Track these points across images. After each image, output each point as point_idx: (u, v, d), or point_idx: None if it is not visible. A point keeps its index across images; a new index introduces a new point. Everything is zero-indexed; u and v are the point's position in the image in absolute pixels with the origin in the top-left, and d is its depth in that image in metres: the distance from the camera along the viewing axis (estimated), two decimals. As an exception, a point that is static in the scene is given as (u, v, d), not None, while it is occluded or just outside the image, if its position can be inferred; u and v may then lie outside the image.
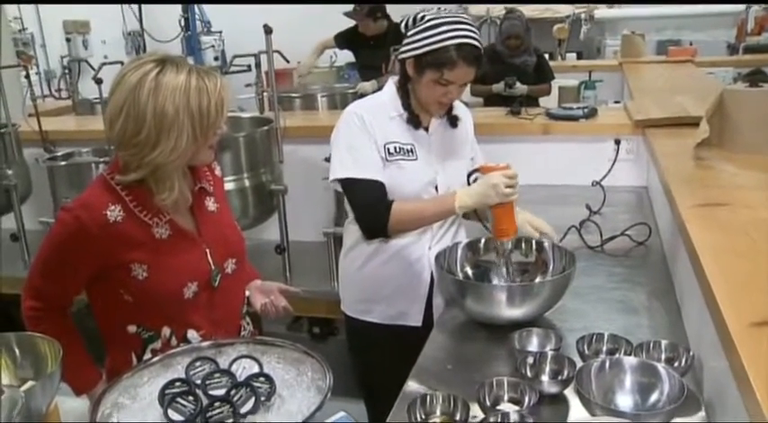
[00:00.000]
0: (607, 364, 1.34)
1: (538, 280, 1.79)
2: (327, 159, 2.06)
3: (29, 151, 3.58)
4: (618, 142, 2.81)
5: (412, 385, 1.49)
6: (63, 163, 3.16)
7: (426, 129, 1.97)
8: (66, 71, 6.02)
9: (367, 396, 2.16)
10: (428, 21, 1.81)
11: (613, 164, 2.72)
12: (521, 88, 4.30)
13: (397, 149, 1.91)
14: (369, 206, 1.90)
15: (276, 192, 2.98)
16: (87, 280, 1.49)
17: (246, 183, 2.92)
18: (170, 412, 1.21)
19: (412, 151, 1.92)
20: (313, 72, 5.13)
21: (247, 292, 1.72)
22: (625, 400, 1.30)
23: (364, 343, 2.09)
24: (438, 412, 1.32)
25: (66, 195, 2.91)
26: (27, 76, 3.67)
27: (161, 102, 1.36)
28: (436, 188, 1.95)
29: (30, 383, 1.12)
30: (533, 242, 1.87)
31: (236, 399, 1.23)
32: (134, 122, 1.37)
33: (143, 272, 1.46)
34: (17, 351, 1.22)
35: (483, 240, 1.90)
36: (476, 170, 1.86)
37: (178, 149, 1.39)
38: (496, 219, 1.79)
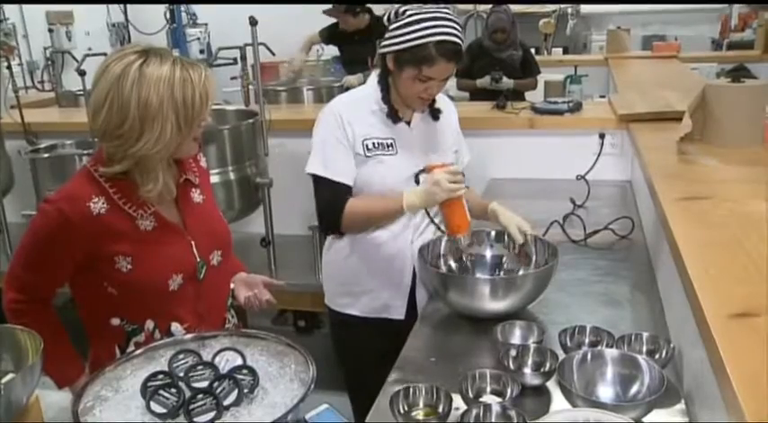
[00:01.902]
0: (589, 356, 1.36)
1: (521, 273, 1.80)
2: (312, 153, 2.06)
3: (11, 143, 3.55)
4: (602, 136, 2.82)
5: (395, 378, 1.50)
6: (46, 155, 3.14)
7: (408, 123, 1.97)
8: (50, 62, 5.95)
9: (351, 389, 2.17)
10: (409, 16, 1.81)
11: (597, 158, 2.74)
12: (507, 82, 4.31)
13: (376, 144, 1.92)
14: (327, 204, 1.94)
15: (261, 185, 2.97)
16: (70, 272, 1.48)
17: (231, 176, 2.92)
18: (152, 404, 1.21)
19: (391, 146, 1.93)
20: (304, 67, 5.09)
21: (232, 285, 1.72)
22: (606, 392, 1.32)
23: (348, 336, 2.10)
24: (421, 404, 1.33)
25: (50, 188, 2.89)
26: (9, 67, 3.63)
27: (145, 93, 1.35)
28: (418, 183, 1.94)
29: (9, 376, 1.11)
30: (516, 235, 1.88)
31: (219, 391, 1.22)
32: (118, 114, 1.36)
33: (127, 264, 1.45)
34: (-3, 344, 1.21)
35: (466, 234, 1.91)
36: (422, 170, 1.87)
37: (162, 141, 1.38)
38: (448, 216, 1.81)
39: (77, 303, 1.56)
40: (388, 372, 1.53)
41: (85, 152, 3.06)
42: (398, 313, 2.01)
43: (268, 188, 2.98)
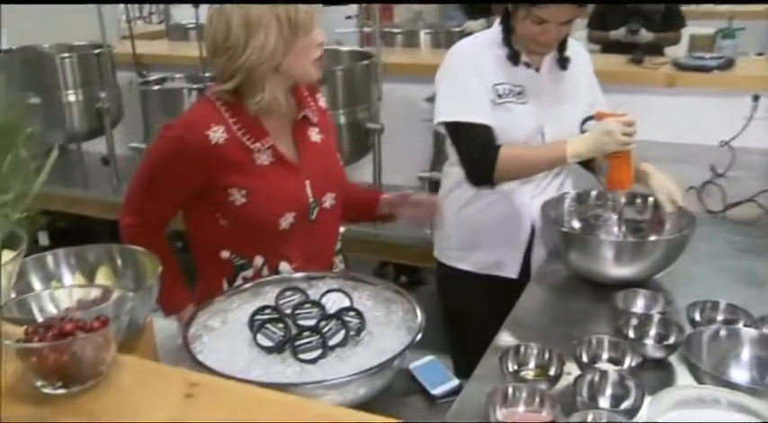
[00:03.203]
0: (722, 334, 1.33)
1: (652, 238, 1.77)
2: (429, 99, 2.08)
3: (121, 75, 3.73)
4: (757, 98, 2.69)
5: (504, 336, 1.53)
6: (156, 87, 3.29)
7: (538, 69, 1.95)
8: (159, -5, 6.20)
9: (455, 347, 2.19)
10: None
11: (748, 123, 2.62)
12: (645, 35, 4.13)
13: (507, 91, 1.91)
14: (476, 152, 1.91)
15: (372, 131, 3.02)
16: (185, 200, 1.59)
17: (342, 119, 2.97)
18: (259, 337, 1.29)
19: (522, 93, 1.92)
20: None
21: (384, 197, 1.80)
22: (740, 374, 1.29)
23: (456, 291, 2.13)
24: (531, 364, 1.36)
25: (158, 121, 3.04)
26: (122, -3, 3.79)
27: (246, 5, 1.45)
28: (543, 135, 1.94)
29: (130, 294, 1.21)
30: (649, 199, 1.84)
31: (325, 330, 1.29)
32: (223, 27, 1.47)
33: (241, 197, 1.53)
34: (119, 262, 1.32)
35: (593, 193, 1.90)
36: (590, 117, 1.84)
37: (267, 49, 1.46)
38: (612, 168, 1.77)
39: (188, 232, 1.67)
40: (494, 332, 1.55)
41: (195, 86, 3.18)
42: (512, 271, 2.03)
43: (379, 134, 3.02)
